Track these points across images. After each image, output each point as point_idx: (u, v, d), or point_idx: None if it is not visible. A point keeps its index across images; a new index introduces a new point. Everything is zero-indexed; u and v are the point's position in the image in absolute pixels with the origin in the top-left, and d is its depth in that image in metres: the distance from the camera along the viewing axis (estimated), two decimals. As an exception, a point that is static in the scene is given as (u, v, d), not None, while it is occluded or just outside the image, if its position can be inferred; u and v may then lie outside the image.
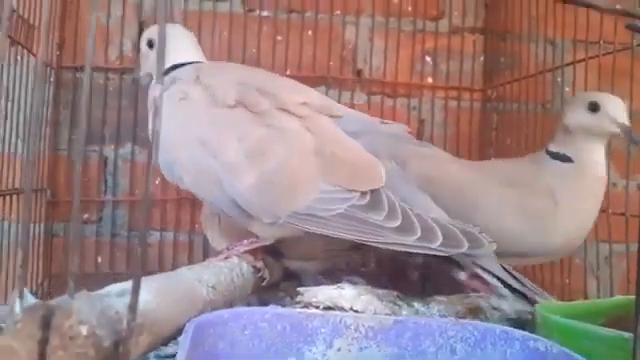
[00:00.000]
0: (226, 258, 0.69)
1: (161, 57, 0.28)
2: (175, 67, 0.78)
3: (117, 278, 0.43)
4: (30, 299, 0.78)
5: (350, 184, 0.65)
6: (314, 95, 0.75)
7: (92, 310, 0.30)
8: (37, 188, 0.93)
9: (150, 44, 0.82)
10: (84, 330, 0.29)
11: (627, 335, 0.45)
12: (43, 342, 0.28)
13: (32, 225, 0.91)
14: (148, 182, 0.31)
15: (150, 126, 0.72)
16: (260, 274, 0.71)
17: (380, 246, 0.64)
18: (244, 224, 0.71)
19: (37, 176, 0.93)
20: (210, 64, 0.84)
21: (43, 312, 0.29)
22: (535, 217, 0.77)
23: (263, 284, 0.72)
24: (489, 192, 0.78)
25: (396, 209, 0.64)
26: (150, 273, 0.60)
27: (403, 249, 0.63)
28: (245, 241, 0.73)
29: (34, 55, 0.84)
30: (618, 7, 0.35)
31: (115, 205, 1.06)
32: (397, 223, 0.63)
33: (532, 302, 0.65)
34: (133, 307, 0.29)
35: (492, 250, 0.65)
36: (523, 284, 0.67)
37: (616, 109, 0.75)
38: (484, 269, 0.66)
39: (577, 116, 0.77)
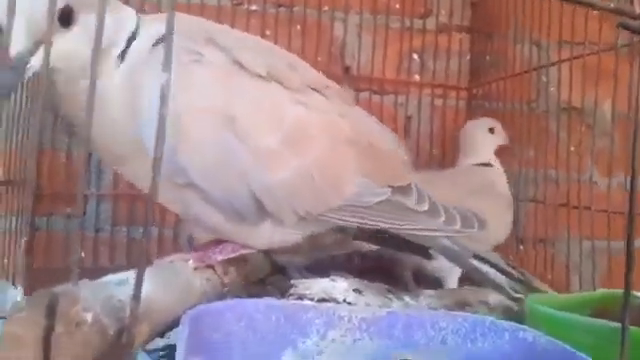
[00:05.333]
0: (196, 268, 0.56)
1: (169, 45, 0.28)
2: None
3: (101, 272, 0.42)
4: (13, 292, 0.77)
5: (386, 181, 0.62)
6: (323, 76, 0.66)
7: (96, 298, 0.30)
8: (21, 181, 0.91)
9: (65, 17, 0.47)
10: (89, 317, 0.29)
11: (613, 325, 0.46)
12: (48, 329, 0.28)
13: (16, 218, 0.90)
14: (156, 174, 0.30)
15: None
16: (226, 289, 0.61)
17: (413, 232, 0.64)
18: (234, 229, 0.59)
19: (20, 169, 0.91)
20: (188, 18, 0.62)
21: (48, 299, 0.29)
22: (502, 219, 0.93)
23: (224, 290, 0.61)
24: (475, 205, 0.85)
25: (422, 194, 0.65)
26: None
27: (432, 234, 0.65)
28: (227, 246, 0.61)
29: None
30: (612, 5, 0.36)
31: (99, 199, 1.05)
32: (426, 207, 0.64)
33: (529, 287, 0.68)
34: (137, 296, 0.29)
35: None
36: (521, 272, 0.70)
37: (501, 129, 1.02)
38: (483, 259, 0.68)
39: (484, 137, 1.01)
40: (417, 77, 1.19)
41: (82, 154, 1.05)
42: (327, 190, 0.58)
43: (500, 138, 1.02)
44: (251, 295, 0.77)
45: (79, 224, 1.04)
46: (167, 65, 0.29)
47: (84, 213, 1.05)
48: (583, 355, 0.45)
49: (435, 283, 0.89)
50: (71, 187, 1.03)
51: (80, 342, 0.28)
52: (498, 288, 0.67)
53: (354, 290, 0.58)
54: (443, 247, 0.68)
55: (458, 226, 0.64)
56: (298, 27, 1.13)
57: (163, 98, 0.29)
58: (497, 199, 0.95)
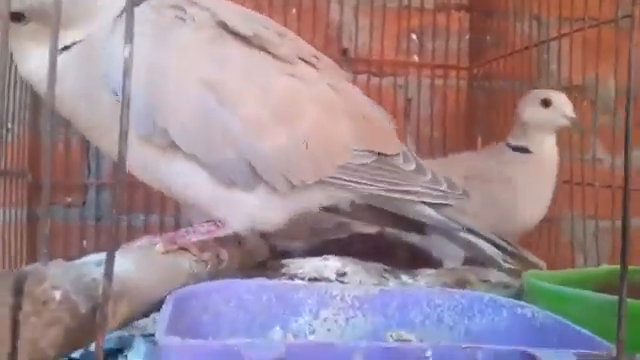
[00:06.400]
0: (167, 251, 0.53)
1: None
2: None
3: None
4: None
5: (379, 148, 0.63)
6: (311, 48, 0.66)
7: (66, 276, 0.29)
8: (18, 171, 0.91)
9: (17, 16, 0.51)
10: (57, 295, 0.28)
11: (612, 298, 0.45)
12: (15, 308, 0.27)
13: (15, 209, 0.90)
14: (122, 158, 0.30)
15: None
16: (208, 267, 0.58)
17: (405, 192, 0.64)
18: (220, 196, 0.57)
19: (18, 159, 0.91)
20: None
21: (15, 278, 0.28)
22: (499, 205, 0.86)
23: (221, 267, 0.60)
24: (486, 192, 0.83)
25: (408, 155, 0.66)
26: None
27: (421, 190, 0.64)
28: (200, 227, 0.58)
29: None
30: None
31: (99, 188, 1.05)
32: (413, 166, 0.64)
33: (522, 260, 0.67)
34: (108, 274, 0.28)
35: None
36: (513, 246, 0.69)
37: (565, 104, 0.85)
38: (476, 233, 0.66)
39: (533, 112, 0.87)
40: (416, 58, 1.16)
41: (79, 144, 1.04)
42: (321, 159, 0.59)
43: (558, 115, 0.85)
44: (249, 277, 0.76)
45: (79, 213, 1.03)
46: (129, 36, 0.28)
47: (84, 203, 1.04)
48: (582, 329, 0.43)
49: (435, 265, 0.87)
50: (70, 177, 1.03)
51: (49, 320, 0.27)
52: (490, 260, 0.66)
53: (346, 269, 0.57)
54: (433, 218, 0.67)
55: (444, 187, 0.64)
56: (294, 11, 1.11)
57: (126, 71, 0.28)
58: (501, 192, 0.87)
